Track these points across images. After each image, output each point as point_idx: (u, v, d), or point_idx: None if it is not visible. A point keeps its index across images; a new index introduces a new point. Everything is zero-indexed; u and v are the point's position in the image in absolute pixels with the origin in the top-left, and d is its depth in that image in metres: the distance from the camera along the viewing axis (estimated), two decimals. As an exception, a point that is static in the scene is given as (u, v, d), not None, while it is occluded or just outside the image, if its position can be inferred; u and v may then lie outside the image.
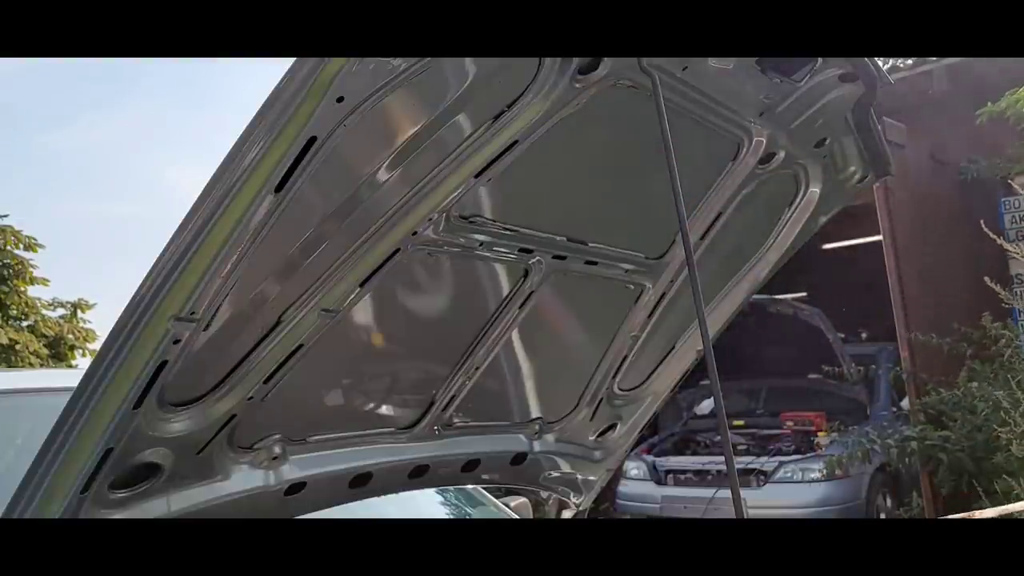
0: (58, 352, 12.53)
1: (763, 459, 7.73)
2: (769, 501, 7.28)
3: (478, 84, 1.20)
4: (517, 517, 3.08)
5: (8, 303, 12.04)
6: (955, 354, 5.72)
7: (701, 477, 7.95)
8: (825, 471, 7.34)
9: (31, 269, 12.36)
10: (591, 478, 2.18)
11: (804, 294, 9.72)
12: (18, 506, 1.11)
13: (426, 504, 2.87)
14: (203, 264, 1.08)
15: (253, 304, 1.26)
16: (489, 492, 3.14)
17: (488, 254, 1.53)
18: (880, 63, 1.51)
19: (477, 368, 1.71)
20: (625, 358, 1.96)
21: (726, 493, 4.34)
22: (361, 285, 1.36)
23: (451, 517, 3.00)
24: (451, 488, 2.95)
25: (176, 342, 1.13)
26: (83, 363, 12.80)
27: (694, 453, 8.56)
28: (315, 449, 1.57)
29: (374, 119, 1.12)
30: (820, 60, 1.44)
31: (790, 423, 8.20)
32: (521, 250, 1.56)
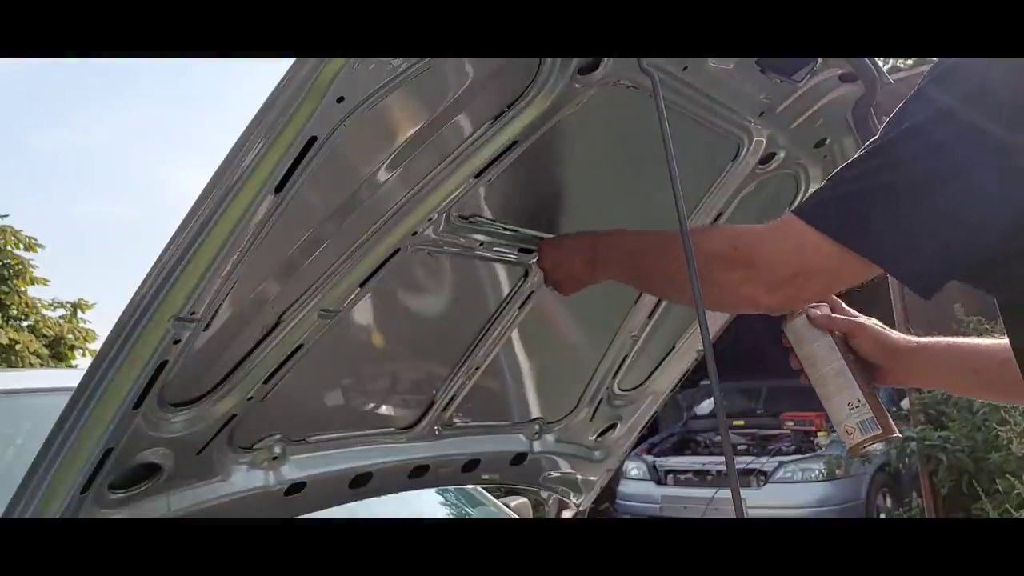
0: (58, 352, 12.52)
1: (763, 459, 7.73)
2: (769, 501, 7.28)
3: (478, 84, 1.20)
4: (517, 517, 3.08)
5: (8, 303, 12.03)
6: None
7: (701, 477, 7.95)
8: (825, 471, 7.34)
9: (31, 269, 12.35)
10: (591, 478, 2.18)
11: (804, 294, 9.69)
12: (18, 506, 1.11)
13: (426, 504, 2.87)
14: (203, 264, 1.08)
15: (253, 304, 1.26)
16: (489, 492, 3.15)
17: (488, 254, 1.53)
18: (880, 63, 1.51)
19: (477, 368, 1.71)
20: (625, 358, 1.96)
21: (726, 493, 4.34)
22: (361, 285, 1.36)
23: (451, 517, 3.00)
24: (451, 488, 2.96)
25: (176, 342, 1.13)
26: (83, 363, 12.80)
27: (694, 453, 8.56)
28: (315, 449, 1.57)
29: (374, 119, 1.12)
30: (820, 60, 1.44)
31: (790, 423, 8.20)
32: (521, 250, 1.56)
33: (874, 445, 1.33)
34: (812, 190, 1.77)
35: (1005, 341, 1.33)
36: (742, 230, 1.25)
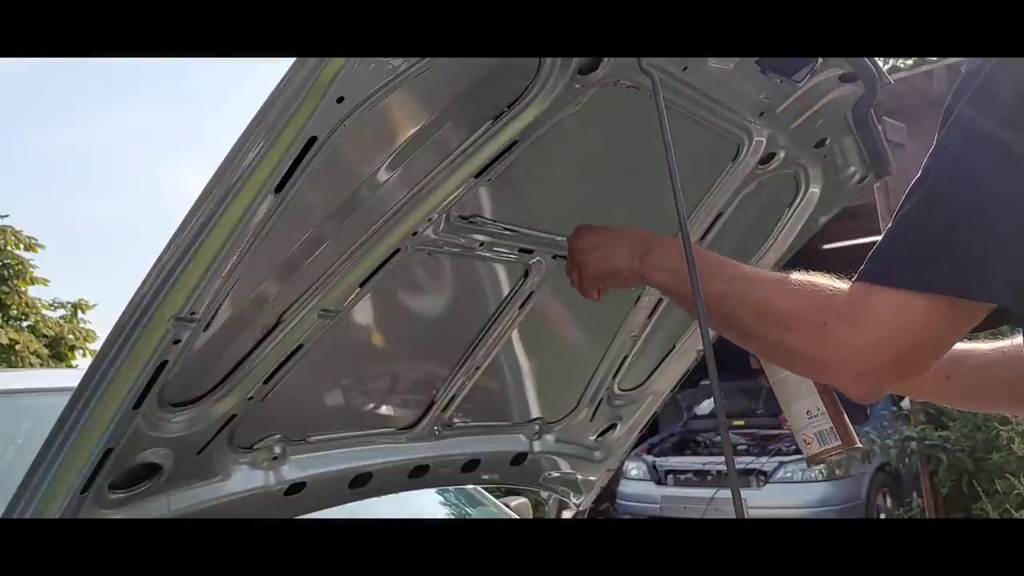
0: (58, 352, 12.51)
1: (763, 459, 7.73)
2: (769, 501, 7.28)
3: (478, 84, 1.20)
4: (517, 517, 3.08)
5: (8, 303, 12.03)
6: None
7: (701, 477, 7.95)
8: (825, 471, 7.33)
9: (31, 269, 12.35)
10: (591, 478, 2.18)
11: (804, 294, 9.69)
12: (18, 506, 1.11)
13: (426, 504, 2.87)
14: (203, 264, 1.08)
15: (253, 304, 1.26)
16: (489, 492, 3.15)
17: (488, 254, 1.53)
18: (880, 63, 1.51)
19: (477, 368, 1.71)
20: (625, 358, 1.96)
21: (726, 493, 4.34)
22: (361, 285, 1.36)
23: (451, 517, 3.00)
24: (451, 488, 2.96)
25: (176, 342, 1.13)
26: (83, 363, 12.80)
27: (694, 453, 8.56)
28: (315, 449, 1.57)
29: (374, 119, 1.12)
30: (820, 60, 1.44)
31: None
32: (521, 250, 1.56)
33: (832, 456, 1.28)
34: (814, 191, 1.77)
35: (980, 347, 1.31)
36: (833, 297, 1.03)
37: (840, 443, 1.27)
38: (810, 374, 1.15)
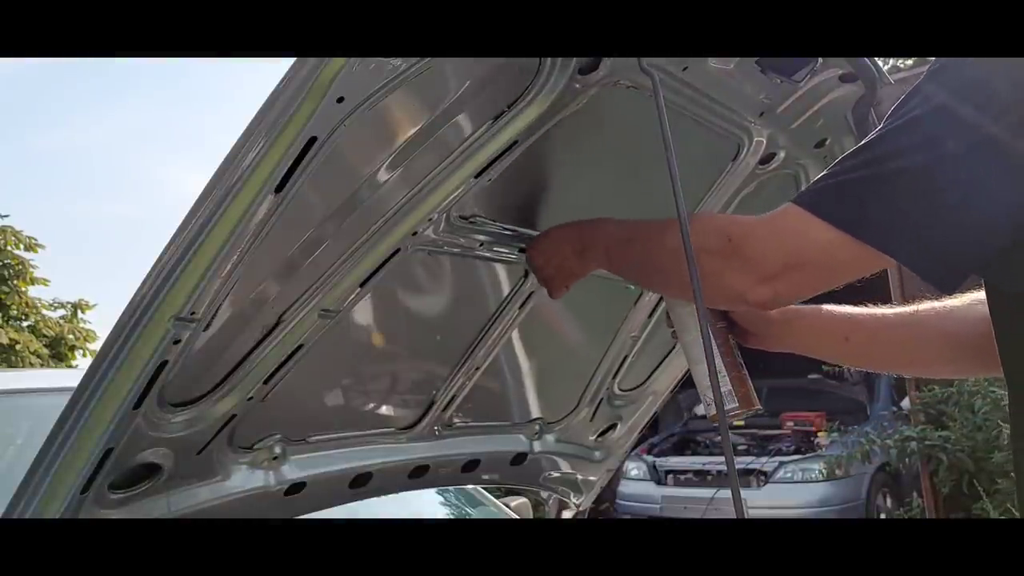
0: (58, 352, 12.52)
1: (763, 459, 7.74)
2: (769, 501, 7.29)
3: (478, 84, 1.20)
4: (517, 517, 3.08)
5: (8, 303, 12.03)
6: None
7: (701, 477, 7.95)
8: (825, 471, 7.34)
9: (31, 269, 12.35)
10: (591, 478, 2.18)
11: (804, 294, 9.70)
12: (18, 506, 1.11)
13: (426, 504, 2.87)
14: (203, 264, 1.08)
15: (253, 304, 1.26)
16: (489, 492, 3.15)
17: (488, 254, 1.53)
18: (880, 63, 1.51)
19: (477, 368, 1.71)
20: (625, 358, 1.96)
21: (726, 493, 4.34)
22: (361, 285, 1.36)
23: (451, 517, 3.00)
24: (451, 488, 2.96)
25: (176, 342, 1.13)
26: (83, 363, 12.80)
27: (694, 453, 8.56)
28: (315, 449, 1.57)
29: (374, 119, 1.12)
30: (820, 60, 1.44)
31: (790, 423, 8.20)
32: (521, 250, 1.56)
33: (732, 417, 1.31)
34: None
35: (880, 311, 1.36)
36: (735, 218, 1.19)
37: (738, 404, 1.31)
38: (722, 293, 1.17)
